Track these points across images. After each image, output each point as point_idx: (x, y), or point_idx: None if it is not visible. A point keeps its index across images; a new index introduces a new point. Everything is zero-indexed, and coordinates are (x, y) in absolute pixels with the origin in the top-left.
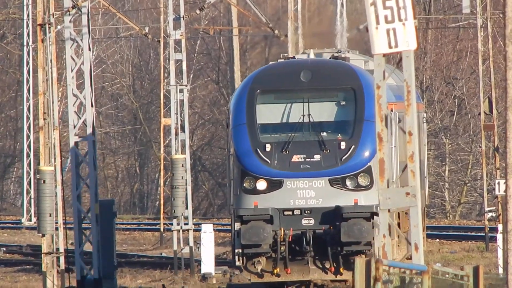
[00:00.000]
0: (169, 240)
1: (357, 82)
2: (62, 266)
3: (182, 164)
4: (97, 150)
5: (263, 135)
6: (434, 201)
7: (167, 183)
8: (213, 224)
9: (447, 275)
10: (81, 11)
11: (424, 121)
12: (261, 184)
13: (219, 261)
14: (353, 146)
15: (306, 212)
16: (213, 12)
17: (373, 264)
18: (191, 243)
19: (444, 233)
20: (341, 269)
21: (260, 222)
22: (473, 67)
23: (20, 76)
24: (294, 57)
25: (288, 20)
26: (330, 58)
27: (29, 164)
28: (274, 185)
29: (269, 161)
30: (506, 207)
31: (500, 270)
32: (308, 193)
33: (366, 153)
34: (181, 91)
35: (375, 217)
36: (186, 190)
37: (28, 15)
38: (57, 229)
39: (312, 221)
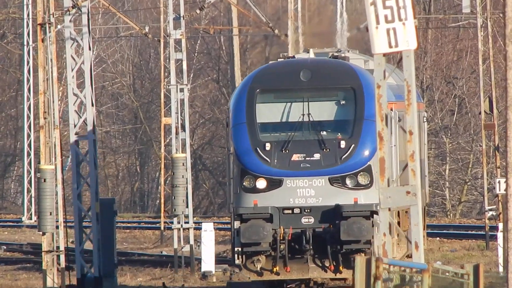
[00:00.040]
0: (169, 238)
1: (356, 82)
2: (63, 264)
3: (183, 163)
4: (98, 149)
5: (263, 134)
6: (435, 199)
7: (167, 182)
8: (214, 222)
9: (447, 274)
10: (81, 11)
11: (425, 120)
12: (261, 183)
13: (220, 260)
14: (353, 145)
15: (306, 210)
16: (213, 11)
17: (374, 262)
18: (192, 242)
19: (444, 231)
20: (341, 268)
21: (259, 220)
22: (473, 66)
23: (20, 75)
24: (294, 57)
25: (288, 20)
26: (329, 57)
27: (29, 163)
28: (274, 184)
29: (269, 160)
30: (507, 205)
31: (501, 269)
32: (308, 192)
33: (366, 152)
34: (182, 90)
35: (374, 215)
36: (187, 188)
37: (28, 15)
38: (57, 227)
39: (312, 220)
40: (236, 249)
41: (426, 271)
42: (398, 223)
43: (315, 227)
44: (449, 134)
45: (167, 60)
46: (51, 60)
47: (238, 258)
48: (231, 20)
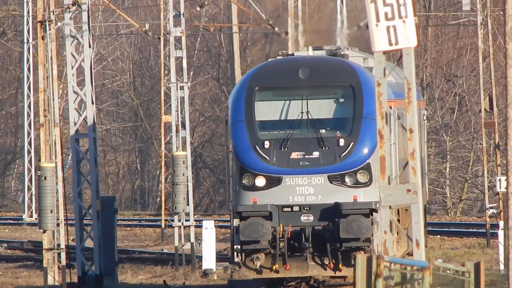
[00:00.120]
0: (170, 236)
1: (355, 79)
2: (63, 262)
3: (183, 161)
4: (98, 147)
5: (261, 132)
6: (435, 197)
7: (168, 179)
8: (214, 220)
9: (448, 271)
10: (81, 8)
11: (425, 118)
12: (260, 181)
13: (220, 257)
14: (352, 143)
15: (305, 208)
16: (213, 9)
17: (374, 260)
18: (192, 239)
19: (445, 229)
20: (340, 265)
21: (259, 218)
22: (473, 64)
23: (20, 73)
24: (293, 54)
25: (288, 17)
26: (328, 55)
27: (30, 161)
28: (273, 181)
29: (267, 158)
30: (507, 203)
31: (501, 267)
32: (307, 190)
33: (365, 150)
34: (182, 88)
35: (374, 213)
36: (187, 186)
37: (28, 12)
38: (58, 225)
39: (311, 218)
40: (235, 247)
41: (427, 269)
42: (398, 221)
43: (314, 225)
44: (449, 132)
45: (167, 57)
46: (51, 57)
47: (237, 256)
48: (231, 18)
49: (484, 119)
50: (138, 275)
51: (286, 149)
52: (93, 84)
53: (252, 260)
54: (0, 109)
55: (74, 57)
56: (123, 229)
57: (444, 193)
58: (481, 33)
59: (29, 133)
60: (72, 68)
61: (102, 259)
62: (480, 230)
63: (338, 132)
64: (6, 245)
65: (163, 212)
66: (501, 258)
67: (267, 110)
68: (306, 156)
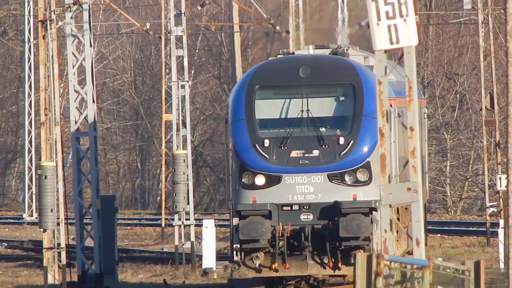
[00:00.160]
0: (170, 235)
1: (356, 78)
2: (64, 261)
3: (184, 160)
4: (99, 146)
5: (261, 130)
6: (436, 196)
7: (168, 178)
8: (215, 219)
9: (448, 270)
10: (82, 8)
11: (425, 116)
12: (260, 180)
13: (220, 256)
14: (352, 142)
15: (305, 207)
16: (214, 8)
17: (375, 259)
18: (192, 238)
19: (445, 228)
20: (339, 264)
21: (258, 217)
22: (474, 62)
23: (21, 72)
24: (293, 53)
25: (289, 16)
26: (329, 54)
27: (30, 160)
28: (273, 180)
29: (267, 157)
30: (508, 202)
31: (501, 265)
32: (306, 189)
33: (365, 149)
34: (183, 87)
35: (373, 212)
36: (188, 185)
37: (29, 11)
38: (58, 224)
39: (311, 217)
40: (234, 245)
41: (427, 268)
42: (397, 219)
43: (314, 224)
44: (450, 131)
45: (168, 56)
46: (52, 57)
47: (236, 255)
48: (232, 17)
49: (485, 117)
50: (138, 274)
51: (286, 147)
52: (94, 83)
53: (251, 259)
54: (1, 108)
55: (75, 56)
56: (123, 228)
57: (444, 192)
58: (482, 31)
59: (29, 132)
60: (73, 67)
61: (102, 258)
62: (480, 229)
63: (338, 130)
64: (6, 244)
65: (163, 211)
66: (501, 257)
67: (267, 108)
68: (306, 155)
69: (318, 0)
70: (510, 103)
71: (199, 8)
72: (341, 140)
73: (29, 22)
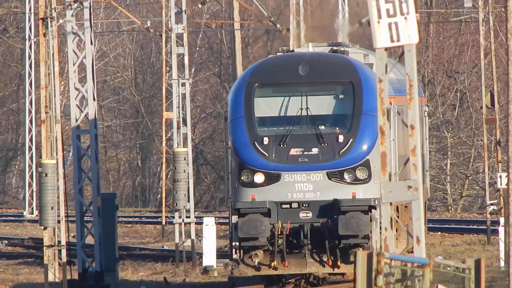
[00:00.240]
0: (170, 233)
1: (355, 76)
2: (64, 259)
3: (184, 158)
4: (99, 144)
5: (261, 128)
6: (436, 194)
7: (169, 176)
8: (215, 217)
9: (448, 268)
10: (82, 5)
11: (426, 114)
12: (259, 177)
13: (221, 254)
14: (351, 140)
15: (304, 205)
16: (215, 6)
17: (375, 257)
18: (193, 236)
19: (446, 226)
20: (339, 262)
21: (257, 215)
22: (475, 61)
23: (22, 69)
24: (293, 51)
25: (290, 14)
26: (329, 51)
27: (31, 158)
28: (272, 178)
29: (266, 154)
30: (508, 200)
31: (502, 263)
32: (306, 187)
33: (364, 147)
34: (183, 84)
35: (372, 210)
36: (188, 183)
37: (30, 9)
38: (59, 222)
39: (310, 214)
40: (234, 243)
41: (427, 266)
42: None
43: (313, 222)
44: (450, 129)
45: (169, 54)
46: (53, 54)
47: (235, 253)
48: (233, 15)
49: (485, 115)
50: (138, 272)
51: (285, 145)
52: (95, 80)
53: (250, 257)
54: (1, 105)
55: (75, 54)
56: (124, 225)
57: (444, 190)
58: (483, 29)
59: (30, 130)
60: (74, 65)
61: (102, 256)
62: (481, 227)
63: (337, 128)
64: (7, 241)
65: (163, 209)
66: (502, 255)
67: (266, 106)
68: (305, 153)
69: None
70: (511, 101)
71: (199, 6)
72: (341, 138)
73: (29, 19)
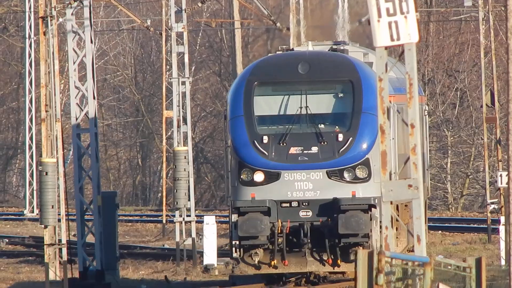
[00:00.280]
0: (171, 231)
1: (355, 75)
2: (65, 257)
3: (185, 156)
4: (99, 142)
5: (260, 127)
6: (437, 193)
7: (169, 175)
8: (216, 215)
9: (449, 267)
10: (83, 4)
11: (426, 113)
12: (259, 176)
13: (221, 253)
14: (350, 138)
15: (304, 204)
16: (215, 4)
17: (376, 256)
18: (193, 235)
19: (446, 225)
20: (339, 261)
21: (257, 214)
22: (475, 59)
23: (22, 68)
24: (292, 49)
25: (290, 13)
26: (328, 50)
27: (31, 156)
28: (272, 177)
29: (266, 153)
30: (509, 199)
31: (503, 262)
32: (305, 185)
33: (364, 145)
34: (183, 83)
35: (372, 209)
36: (189, 182)
37: (30, 8)
38: (59, 220)
39: (310, 213)
40: (234, 242)
41: (428, 265)
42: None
43: (313, 221)
44: (450, 128)
45: (169, 53)
46: (53, 53)
47: (235, 252)
48: (233, 13)
49: (485, 114)
50: (139, 271)
51: (285, 144)
52: (95, 79)
53: (250, 256)
54: (1, 104)
55: (75, 52)
56: (124, 224)
57: (445, 189)
58: (483, 28)
59: (30, 128)
60: (74, 63)
61: (103, 255)
62: (481, 226)
63: (337, 127)
64: (7, 240)
65: (164, 208)
66: (502, 254)
67: (266, 105)
68: (304, 151)
69: None
70: (511, 100)
71: (199, 4)
72: (340, 137)
73: (29, 18)
